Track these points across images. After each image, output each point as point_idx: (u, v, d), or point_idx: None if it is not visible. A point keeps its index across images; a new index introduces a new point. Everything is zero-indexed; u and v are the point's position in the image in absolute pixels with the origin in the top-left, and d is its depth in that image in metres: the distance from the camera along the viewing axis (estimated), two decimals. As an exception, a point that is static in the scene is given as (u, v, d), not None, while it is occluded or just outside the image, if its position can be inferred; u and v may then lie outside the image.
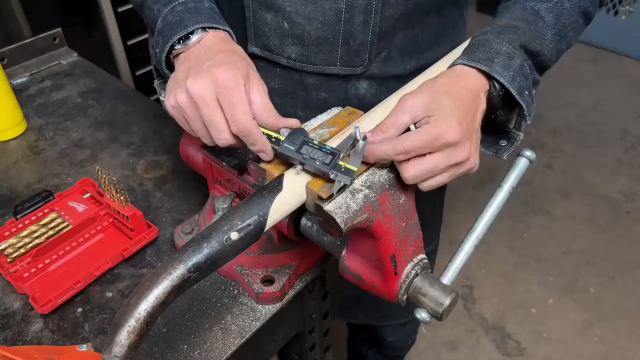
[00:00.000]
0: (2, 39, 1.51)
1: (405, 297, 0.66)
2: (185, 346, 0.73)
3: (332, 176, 0.58)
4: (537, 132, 2.83)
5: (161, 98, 0.75)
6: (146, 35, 1.90)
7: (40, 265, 0.81)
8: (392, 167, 0.63)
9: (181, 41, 0.68)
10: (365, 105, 0.78)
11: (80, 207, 0.90)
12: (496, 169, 2.58)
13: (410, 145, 0.58)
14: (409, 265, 0.65)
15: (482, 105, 0.65)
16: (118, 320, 0.51)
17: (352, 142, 0.61)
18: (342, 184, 0.58)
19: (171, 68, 0.72)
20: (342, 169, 0.59)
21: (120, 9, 1.83)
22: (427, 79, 0.66)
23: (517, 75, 0.65)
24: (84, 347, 0.66)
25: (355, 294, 1.21)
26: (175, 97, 0.64)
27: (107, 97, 1.21)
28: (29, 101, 1.20)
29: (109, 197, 0.84)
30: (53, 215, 0.87)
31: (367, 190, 0.60)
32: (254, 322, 0.75)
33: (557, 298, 2.10)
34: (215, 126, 0.63)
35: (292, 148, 0.61)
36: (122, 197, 0.82)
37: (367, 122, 0.69)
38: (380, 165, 0.63)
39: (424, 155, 0.59)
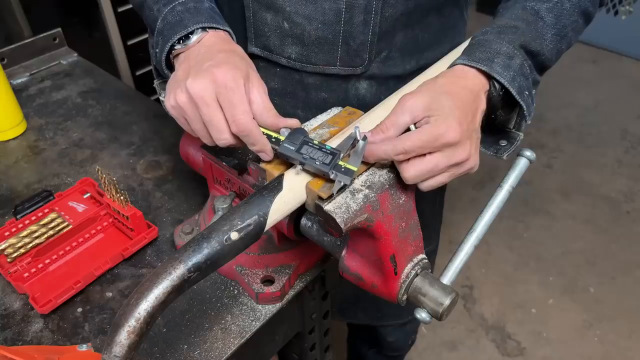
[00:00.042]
0: (2, 39, 1.51)
1: (405, 297, 0.66)
2: (185, 346, 0.73)
3: (332, 176, 0.58)
4: (537, 132, 2.83)
5: (161, 98, 0.75)
6: (146, 35, 1.90)
7: (40, 265, 0.81)
8: (392, 167, 0.63)
9: (181, 41, 0.68)
10: (365, 105, 0.78)
11: (80, 207, 0.90)
12: (496, 169, 2.58)
13: (410, 145, 0.58)
14: (409, 265, 0.65)
15: (482, 105, 0.65)
16: (118, 320, 0.51)
17: (352, 142, 0.61)
18: (342, 184, 0.58)
19: (171, 68, 0.72)
20: (342, 169, 0.59)
21: (120, 9, 1.83)
22: (427, 79, 0.66)
23: (517, 75, 0.65)
24: (84, 347, 0.66)
25: (355, 294, 1.21)
26: (175, 97, 0.64)
27: (107, 97, 1.21)
28: (29, 101, 1.20)
29: (109, 197, 0.84)
30: (53, 215, 0.87)
31: (367, 190, 0.60)
32: (254, 322, 0.75)
33: (557, 298, 2.10)
34: (215, 126, 0.63)
35: (292, 148, 0.61)
36: (122, 197, 0.82)
37: (367, 122, 0.69)
38: (380, 165, 0.63)
39: (424, 155, 0.59)
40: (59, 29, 1.33)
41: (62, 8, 1.82)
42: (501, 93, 0.66)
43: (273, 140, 0.63)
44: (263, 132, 0.63)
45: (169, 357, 0.72)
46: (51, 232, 0.85)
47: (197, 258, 0.54)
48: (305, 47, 0.84)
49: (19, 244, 0.82)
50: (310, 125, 0.72)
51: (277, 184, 0.60)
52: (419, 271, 0.66)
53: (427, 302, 0.63)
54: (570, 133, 2.84)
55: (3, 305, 0.79)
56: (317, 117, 0.74)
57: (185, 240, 0.82)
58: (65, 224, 0.86)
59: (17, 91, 1.20)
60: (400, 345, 1.53)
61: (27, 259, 0.81)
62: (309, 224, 0.72)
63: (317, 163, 0.59)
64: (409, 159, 0.59)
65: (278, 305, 0.77)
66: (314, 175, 0.61)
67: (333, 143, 0.65)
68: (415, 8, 0.82)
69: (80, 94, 1.23)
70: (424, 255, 0.67)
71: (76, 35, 1.61)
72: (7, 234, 0.85)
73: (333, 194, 0.58)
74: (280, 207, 0.59)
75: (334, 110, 0.75)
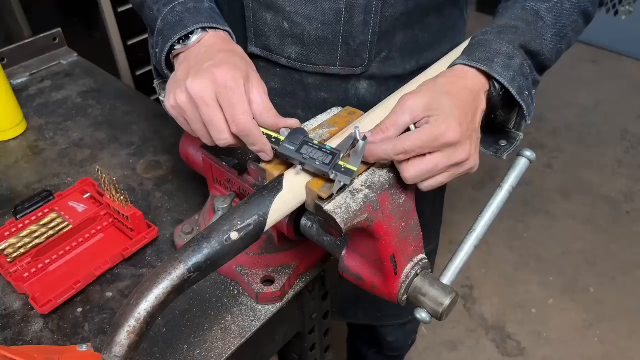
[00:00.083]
0: (2, 39, 1.51)
1: (405, 297, 0.66)
2: (185, 346, 0.73)
3: (332, 176, 0.58)
4: (537, 132, 2.83)
5: (161, 98, 0.75)
6: (146, 35, 1.90)
7: (40, 265, 0.81)
8: (392, 167, 0.63)
9: (181, 41, 0.68)
10: (365, 105, 0.78)
11: (80, 207, 0.90)
12: (496, 169, 2.58)
13: (410, 145, 0.58)
14: (409, 265, 0.65)
15: (482, 105, 0.65)
16: (118, 320, 0.51)
17: (352, 142, 0.61)
18: (342, 184, 0.58)
19: (171, 68, 0.72)
20: (342, 169, 0.59)
21: (120, 9, 1.83)
22: (427, 79, 0.66)
23: (517, 75, 0.65)
24: (84, 347, 0.66)
25: (355, 294, 1.21)
26: (175, 97, 0.64)
27: (107, 97, 1.21)
28: (29, 101, 1.20)
29: (109, 197, 0.84)
30: (53, 215, 0.87)
31: (367, 190, 0.60)
32: (254, 322, 0.75)
33: (557, 298, 2.10)
34: (215, 126, 0.63)
35: (292, 148, 0.61)
36: (122, 197, 0.82)
37: (367, 122, 0.69)
38: (380, 165, 0.63)
39: (424, 155, 0.59)
40: (59, 29, 1.33)
41: (62, 8, 1.83)
42: (501, 93, 0.66)
43: (273, 140, 0.63)
44: (263, 132, 0.63)
45: (169, 357, 0.72)
46: (51, 232, 0.85)
47: (197, 258, 0.54)
48: (305, 47, 0.84)
49: (19, 244, 0.82)
50: (310, 125, 0.72)
51: (277, 184, 0.60)
52: (419, 271, 0.66)
53: (427, 302, 0.63)
54: (570, 133, 2.84)
55: (3, 305, 0.79)
56: (317, 117, 0.74)
57: (185, 240, 0.82)
58: (65, 224, 0.86)
59: (17, 91, 1.20)
60: (400, 345, 1.53)
61: (27, 259, 0.81)
62: (309, 224, 0.72)
63: (317, 163, 0.59)
64: (409, 159, 0.59)
65: (278, 305, 0.77)
66: (314, 175, 0.61)
67: (333, 143, 0.65)
68: (415, 8, 0.82)
69: (80, 94, 1.23)
70: (424, 255, 0.67)
71: (76, 35, 1.61)
72: (7, 234, 0.85)
73: (333, 194, 0.58)
74: (280, 207, 0.59)
75: (334, 110, 0.75)
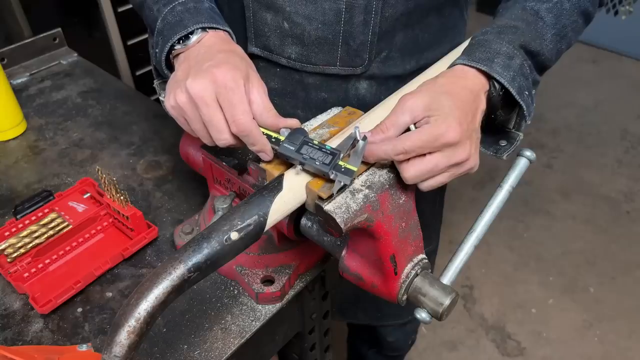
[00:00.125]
0: (2, 39, 1.51)
1: (405, 297, 0.66)
2: (185, 346, 0.73)
3: (332, 176, 0.58)
4: (537, 132, 2.83)
5: (161, 98, 0.75)
6: (146, 35, 1.90)
7: (40, 265, 0.81)
8: (392, 167, 0.63)
9: (181, 41, 0.68)
10: (365, 105, 0.78)
11: (80, 207, 0.90)
12: (496, 169, 2.58)
13: (410, 145, 0.58)
14: (409, 265, 0.65)
15: (482, 105, 0.65)
16: (118, 320, 0.51)
17: (352, 142, 0.61)
18: (342, 184, 0.58)
19: (171, 68, 0.72)
20: (342, 169, 0.59)
21: (120, 9, 1.83)
22: (427, 79, 0.66)
23: (517, 75, 0.65)
24: (84, 347, 0.66)
25: (355, 294, 1.21)
26: (175, 97, 0.64)
27: (107, 97, 1.21)
28: (29, 101, 1.20)
29: (109, 197, 0.84)
30: (53, 215, 0.87)
31: (367, 190, 0.60)
32: (254, 322, 0.75)
33: (557, 298, 2.10)
34: (215, 126, 0.63)
35: (292, 148, 0.61)
36: (122, 197, 0.82)
37: (367, 122, 0.69)
38: (380, 165, 0.63)
39: (424, 155, 0.59)
40: (59, 29, 1.33)
41: (62, 8, 1.83)
42: (501, 93, 0.66)
43: (273, 140, 0.63)
44: (263, 132, 0.63)
45: (169, 357, 0.72)
46: (51, 232, 0.85)
47: (197, 258, 0.54)
48: (305, 47, 0.84)
49: (19, 244, 0.82)
50: (310, 125, 0.72)
51: (277, 184, 0.60)
52: (419, 271, 0.66)
53: (427, 302, 0.63)
54: (570, 133, 2.84)
55: (3, 305, 0.79)
56: (317, 117, 0.74)
57: (185, 240, 0.82)
58: (65, 224, 0.86)
59: (17, 91, 1.20)
60: (400, 345, 1.53)
61: (27, 259, 0.81)
62: (309, 224, 0.72)
63: (317, 163, 0.59)
64: (409, 159, 0.59)
65: (278, 305, 0.77)
66: (314, 175, 0.61)
67: (333, 143, 0.65)
68: (415, 8, 0.82)
69: (80, 94, 1.23)
70: (424, 255, 0.67)
71: (76, 35, 1.61)
72: (7, 234, 0.85)
73: (333, 194, 0.58)
74: (280, 207, 0.59)
75: (334, 110, 0.75)
